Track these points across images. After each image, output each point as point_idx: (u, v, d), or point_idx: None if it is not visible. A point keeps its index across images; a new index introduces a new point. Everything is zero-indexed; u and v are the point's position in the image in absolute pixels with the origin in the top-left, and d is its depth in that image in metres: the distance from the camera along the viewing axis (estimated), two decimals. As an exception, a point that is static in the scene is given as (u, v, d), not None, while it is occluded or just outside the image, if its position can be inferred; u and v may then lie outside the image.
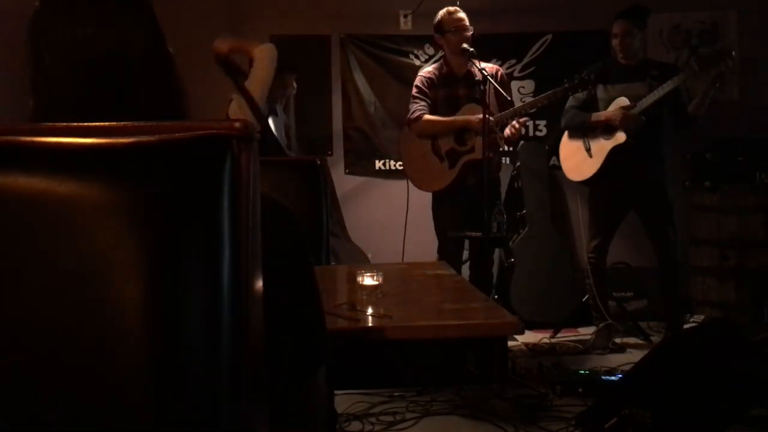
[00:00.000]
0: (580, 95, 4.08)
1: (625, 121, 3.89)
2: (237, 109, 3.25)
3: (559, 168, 5.25)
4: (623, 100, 3.95)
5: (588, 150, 4.08)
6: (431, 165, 3.96)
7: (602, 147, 4.02)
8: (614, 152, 3.95)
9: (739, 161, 4.51)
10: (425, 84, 3.97)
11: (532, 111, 4.07)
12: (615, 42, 4.06)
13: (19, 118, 0.99)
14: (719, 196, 4.50)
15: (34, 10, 0.99)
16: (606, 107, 4.02)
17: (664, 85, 3.84)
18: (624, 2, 4.10)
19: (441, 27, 3.92)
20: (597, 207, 4.18)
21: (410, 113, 3.98)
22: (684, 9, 5.21)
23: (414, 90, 4.02)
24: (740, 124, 4.91)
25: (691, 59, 3.93)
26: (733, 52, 3.87)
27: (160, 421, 0.73)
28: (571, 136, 4.21)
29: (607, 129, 3.99)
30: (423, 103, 3.95)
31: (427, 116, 3.93)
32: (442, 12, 3.94)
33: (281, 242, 0.95)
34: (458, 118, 3.89)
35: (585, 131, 4.10)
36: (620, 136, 3.93)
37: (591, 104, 4.08)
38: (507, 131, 3.79)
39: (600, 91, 4.06)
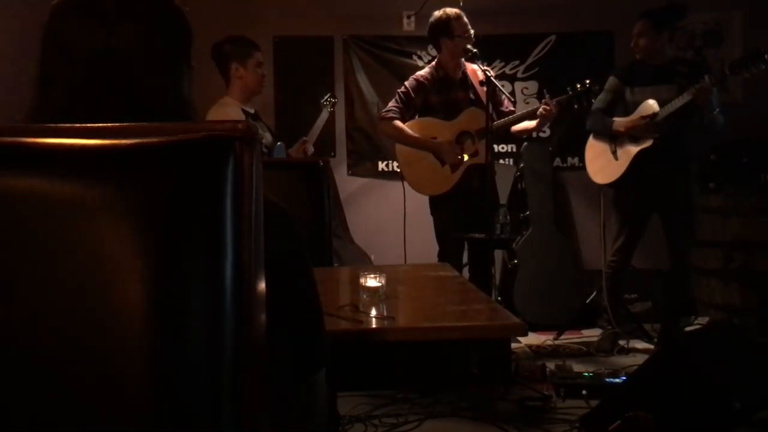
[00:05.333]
0: (606, 97, 4.00)
1: (645, 133, 3.82)
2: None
3: (563, 169, 5.27)
4: (651, 105, 3.83)
5: (614, 153, 4.01)
6: (432, 169, 3.90)
7: (628, 151, 3.93)
8: (640, 156, 3.88)
9: (744, 162, 4.50)
10: (414, 88, 3.89)
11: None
12: (633, 42, 3.97)
13: (19, 118, 0.99)
14: (723, 198, 4.49)
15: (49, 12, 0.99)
16: (634, 111, 3.92)
17: (687, 92, 3.68)
18: (624, 3, 4.08)
19: (450, 31, 3.80)
20: (621, 209, 4.09)
21: (385, 110, 3.95)
22: (689, 10, 5.20)
23: (401, 89, 3.94)
24: (744, 125, 4.90)
25: (724, 63, 3.76)
26: (767, 56, 3.56)
27: (161, 422, 0.73)
28: (596, 138, 4.14)
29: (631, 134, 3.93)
30: (401, 106, 3.89)
31: (398, 123, 3.88)
32: (447, 15, 3.83)
33: (279, 244, 0.94)
34: (426, 140, 3.86)
35: (610, 134, 4.03)
36: (646, 140, 3.85)
37: (618, 107, 4.00)
38: (541, 110, 3.69)
39: (627, 94, 3.98)
